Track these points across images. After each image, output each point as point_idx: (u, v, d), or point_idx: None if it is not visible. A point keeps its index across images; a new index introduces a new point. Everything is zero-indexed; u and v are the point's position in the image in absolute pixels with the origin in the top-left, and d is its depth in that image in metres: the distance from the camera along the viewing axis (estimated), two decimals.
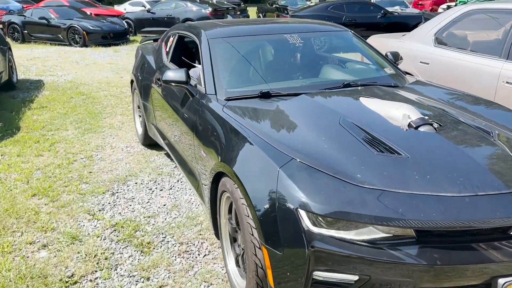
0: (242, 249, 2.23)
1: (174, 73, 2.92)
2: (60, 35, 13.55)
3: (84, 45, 13.26)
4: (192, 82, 3.06)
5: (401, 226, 1.63)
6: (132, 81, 4.74)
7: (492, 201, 1.72)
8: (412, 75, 4.53)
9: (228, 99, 2.71)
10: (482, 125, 2.31)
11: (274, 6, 19.26)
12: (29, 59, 10.87)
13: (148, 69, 4.20)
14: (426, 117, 2.26)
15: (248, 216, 1.95)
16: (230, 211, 2.38)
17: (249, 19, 4.35)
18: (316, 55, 3.61)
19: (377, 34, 11.49)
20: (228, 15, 14.12)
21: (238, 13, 16.14)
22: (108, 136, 5.01)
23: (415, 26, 11.35)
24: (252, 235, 1.92)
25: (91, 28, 13.26)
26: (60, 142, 4.78)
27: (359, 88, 2.86)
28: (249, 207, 1.95)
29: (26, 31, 14.11)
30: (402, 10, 15.66)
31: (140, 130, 4.71)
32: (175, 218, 3.20)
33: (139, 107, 4.70)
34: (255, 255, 1.92)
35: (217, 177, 2.39)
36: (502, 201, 1.73)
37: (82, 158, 4.32)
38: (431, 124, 2.21)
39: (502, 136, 2.21)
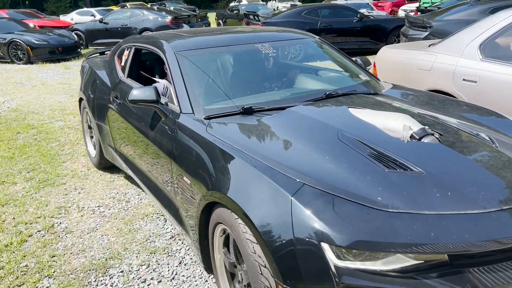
0: (245, 286, 2.02)
1: (141, 92, 2.59)
2: None
3: (29, 62, 11.76)
4: (162, 101, 2.76)
5: (437, 252, 1.51)
6: (80, 99, 4.34)
7: None
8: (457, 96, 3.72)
9: (208, 118, 2.47)
10: (479, 131, 2.24)
11: (235, 12, 18.36)
12: None
13: (101, 86, 3.85)
14: (427, 127, 2.15)
15: (256, 253, 1.76)
16: (225, 244, 2.17)
17: (211, 27, 4.06)
18: (290, 65, 3.44)
19: (353, 38, 10.90)
20: (184, 24, 12.94)
21: (199, 20, 15.07)
22: (72, 190, 3.85)
23: (394, 30, 10.79)
24: (262, 274, 1.72)
25: (36, 42, 11.77)
26: (7, 205, 3.59)
27: (342, 98, 2.71)
28: (258, 243, 1.75)
29: None
30: (369, 12, 15.18)
31: (93, 152, 4.31)
32: None
33: (90, 128, 4.36)
34: None
35: (208, 207, 2.16)
36: None
37: (39, 231, 3.17)
38: (433, 134, 2.11)
39: (502, 142, 2.16)
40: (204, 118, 2.45)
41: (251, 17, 11.04)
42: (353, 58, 3.47)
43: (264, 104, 2.55)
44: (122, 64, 3.71)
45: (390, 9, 22.35)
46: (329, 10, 10.86)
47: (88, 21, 15.68)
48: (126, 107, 3.22)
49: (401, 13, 20.81)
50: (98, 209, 3.48)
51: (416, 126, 2.11)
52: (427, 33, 8.20)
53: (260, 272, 1.72)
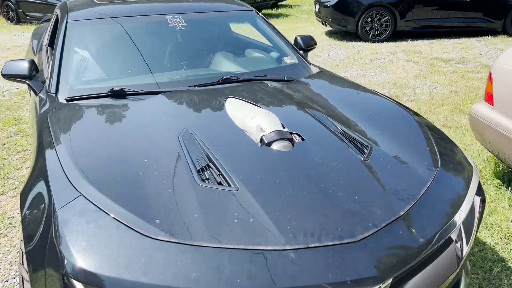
0: None
1: (15, 65, 2.42)
2: None
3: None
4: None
5: None
6: None
7: (327, 255, 1.27)
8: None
9: (69, 99, 2.20)
10: (362, 137, 1.87)
11: None
12: (6, 49, 8.62)
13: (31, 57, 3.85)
14: (286, 129, 1.84)
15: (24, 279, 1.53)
16: None
17: None
18: (201, 42, 2.94)
19: (460, 13, 8.32)
20: None
21: None
22: None
23: None
24: None
25: None
26: None
27: (239, 84, 2.40)
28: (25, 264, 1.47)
29: (20, 10, 11.97)
30: None
31: None
32: None
33: None
34: None
35: None
36: (339, 255, 1.28)
37: None
38: (290, 140, 1.78)
39: (379, 155, 1.74)
40: (66, 99, 2.20)
41: None
42: (296, 36, 3.21)
43: (143, 87, 2.28)
44: (48, 33, 3.55)
45: None
46: None
47: None
48: None
49: None
50: None
51: (270, 128, 1.81)
52: None
53: None
